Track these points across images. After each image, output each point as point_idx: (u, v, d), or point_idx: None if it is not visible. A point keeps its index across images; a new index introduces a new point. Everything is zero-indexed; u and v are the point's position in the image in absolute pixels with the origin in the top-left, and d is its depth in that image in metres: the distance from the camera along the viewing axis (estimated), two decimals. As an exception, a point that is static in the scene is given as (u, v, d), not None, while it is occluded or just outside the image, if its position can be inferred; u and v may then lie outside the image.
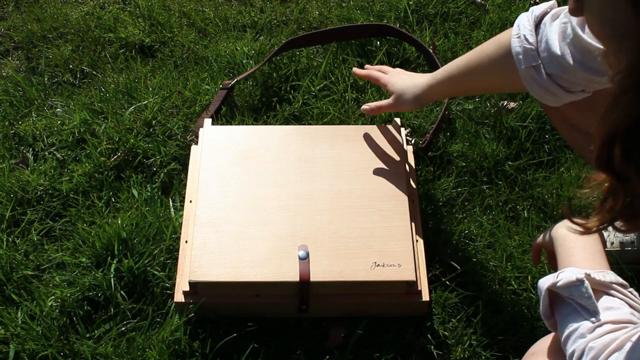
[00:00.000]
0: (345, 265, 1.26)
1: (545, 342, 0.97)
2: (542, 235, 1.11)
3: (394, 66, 1.77)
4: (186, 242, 1.33)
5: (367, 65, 1.51)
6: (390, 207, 1.34)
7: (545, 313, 0.91)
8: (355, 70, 1.49)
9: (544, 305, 0.91)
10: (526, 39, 1.07)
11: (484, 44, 1.20)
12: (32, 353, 1.27)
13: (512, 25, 1.12)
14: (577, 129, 1.22)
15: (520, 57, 1.08)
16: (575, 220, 0.82)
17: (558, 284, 0.88)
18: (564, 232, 0.99)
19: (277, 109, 1.68)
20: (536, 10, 1.08)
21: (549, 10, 1.08)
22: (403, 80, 1.37)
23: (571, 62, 1.01)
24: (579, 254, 0.95)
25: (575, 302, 0.87)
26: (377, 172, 1.40)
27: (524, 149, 1.61)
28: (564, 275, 0.88)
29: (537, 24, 1.07)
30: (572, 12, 0.80)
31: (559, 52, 1.03)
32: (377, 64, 1.75)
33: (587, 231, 0.81)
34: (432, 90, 1.31)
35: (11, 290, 1.36)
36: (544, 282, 0.91)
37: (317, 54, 1.83)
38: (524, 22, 1.09)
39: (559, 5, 1.09)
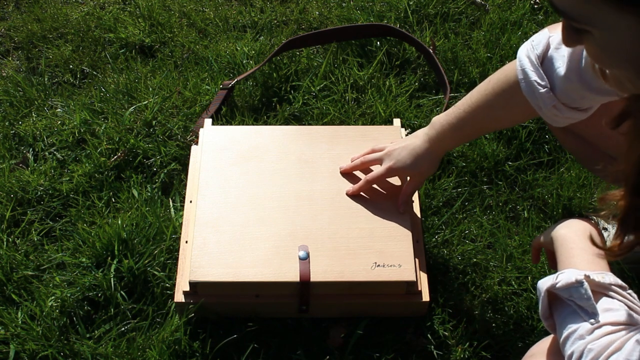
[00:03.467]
0: (346, 265, 1.26)
1: (544, 344, 0.97)
2: (542, 235, 1.11)
3: (393, 66, 1.78)
4: (186, 242, 1.33)
5: (352, 158, 1.40)
6: (390, 207, 1.34)
7: (544, 314, 0.91)
8: (343, 167, 1.39)
9: (543, 306, 0.91)
10: (538, 84, 1.05)
11: (486, 86, 1.17)
12: (32, 353, 1.27)
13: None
14: (580, 138, 1.23)
15: (539, 103, 1.07)
16: (600, 247, 0.85)
17: (557, 285, 0.88)
18: (565, 233, 0.99)
19: (277, 109, 1.68)
20: (537, 48, 1.06)
21: (549, 44, 1.06)
22: (405, 159, 1.29)
23: (585, 89, 1.02)
24: (579, 255, 0.95)
25: (575, 303, 0.87)
26: (377, 172, 1.39)
27: (524, 149, 1.61)
28: (564, 277, 0.88)
29: (542, 61, 1.06)
30: (568, 44, 0.80)
31: (573, 85, 1.03)
32: (377, 64, 1.76)
33: (612, 255, 0.82)
34: (440, 147, 1.27)
35: (11, 290, 1.36)
36: (544, 283, 0.91)
37: (317, 54, 1.83)
38: (528, 65, 1.06)
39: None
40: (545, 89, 1.05)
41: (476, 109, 1.19)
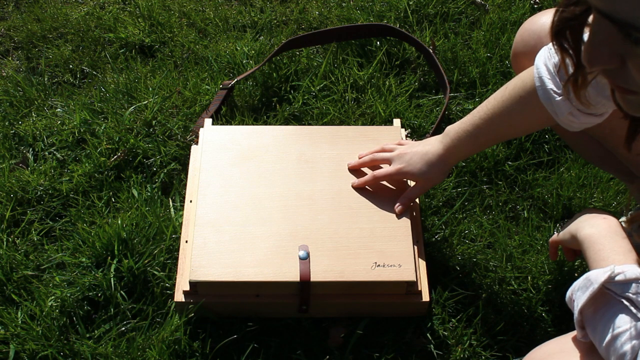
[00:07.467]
0: (346, 265, 1.26)
1: (547, 347, 0.96)
2: (561, 233, 1.11)
3: (393, 66, 1.78)
4: (186, 242, 1.33)
5: (359, 154, 1.40)
6: (390, 208, 1.34)
7: (584, 308, 0.88)
8: (352, 164, 1.39)
9: (586, 301, 0.88)
10: (554, 92, 1.06)
11: (502, 93, 1.17)
12: (32, 353, 1.27)
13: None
14: (588, 136, 1.23)
15: (555, 110, 1.07)
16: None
17: (617, 279, 0.86)
18: (591, 233, 0.99)
19: (277, 109, 1.68)
20: (554, 56, 1.06)
21: None
22: (416, 164, 1.29)
23: (598, 95, 1.02)
24: (610, 257, 0.93)
25: (629, 300, 0.84)
26: (377, 172, 1.39)
27: (524, 149, 1.62)
28: (627, 271, 0.86)
29: (559, 69, 1.06)
30: (598, 62, 0.65)
31: (589, 93, 1.03)
32: (377, 64, 1.76)
33: None
34: (453, 155, 1.27)
35: (11, 290, 1.36)
36: (598, 276, 0.87)
37: (317, 54, 1.83)
38: (545, 73, 1.07)
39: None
40: (561, 97, 1.05)
41: (492, 116, 1.19)
